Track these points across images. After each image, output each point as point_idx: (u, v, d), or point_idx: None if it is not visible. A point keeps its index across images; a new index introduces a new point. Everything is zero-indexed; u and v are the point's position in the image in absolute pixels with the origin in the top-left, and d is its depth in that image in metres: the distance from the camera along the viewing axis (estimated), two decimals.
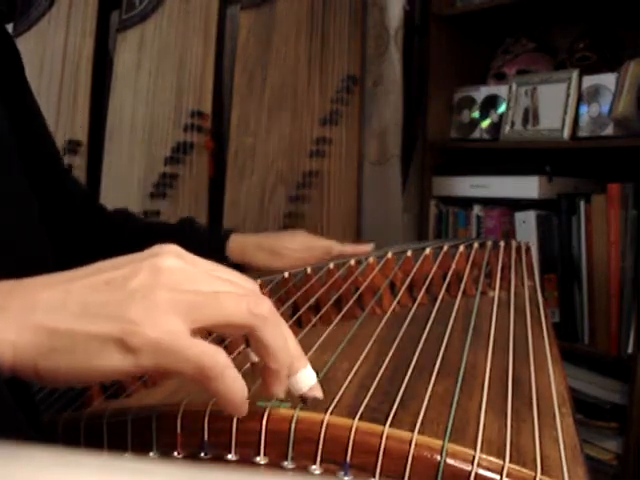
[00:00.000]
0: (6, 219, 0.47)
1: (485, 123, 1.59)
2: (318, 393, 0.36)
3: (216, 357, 0.32)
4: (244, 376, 0.33)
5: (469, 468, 0.33)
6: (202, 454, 0.36)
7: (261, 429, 0.35)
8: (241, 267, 0.79)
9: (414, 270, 0.66)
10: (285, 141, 1.71)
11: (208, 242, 0.81)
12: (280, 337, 0.34)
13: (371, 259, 0.69)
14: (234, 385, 0.33)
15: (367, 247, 0.82)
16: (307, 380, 0.35)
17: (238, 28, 1.85)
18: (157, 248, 0.34)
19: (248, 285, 0.36)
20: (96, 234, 0.75)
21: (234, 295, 0.33)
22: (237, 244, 0.81)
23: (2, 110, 0.52)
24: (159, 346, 0.31)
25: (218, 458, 0.36)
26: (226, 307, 0.33)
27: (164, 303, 0.32)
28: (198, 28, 1.88)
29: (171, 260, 0.33)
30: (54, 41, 2.13)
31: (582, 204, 1.36)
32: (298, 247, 0.81)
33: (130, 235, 0.77)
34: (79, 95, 2.05)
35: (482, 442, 0.34)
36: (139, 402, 0.42)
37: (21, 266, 0.45)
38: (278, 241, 0.82)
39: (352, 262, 0.70)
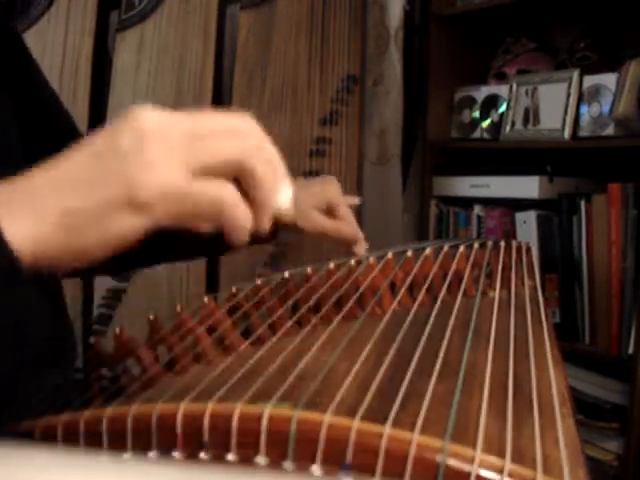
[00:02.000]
0: None
1: (485, 123, 1.59)
2: (290, 212, 0.38)
3: (229, 190, 0.33)
4: (243, 377, 0.33)
5: (469, 468, 0.32)
6: (202, 454, 0.36)
7: (261, 429, 0.35)
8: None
9: (414, 270, 0.66)
10: (285, 141, 1.71)
11: None
12: (269, 171, 0.36)
13: (371, 259, 0.69)
14: (245, 210, 0.34)
15: (354, 200, 0.78)
16: (285, 196, 0.37)
17: (238, 28, 1.85)
18: (132, 109, 0.35)
19: (233, 121, 0.36)
20: None
21: (227, 135, 0.34)
22: None
23: (6, 100, 0.52)
24: (167, 194, 0.31)
25: (218, 458, 0.36)
26: (220, 146, 0.33)
27: (157, 153, 0.32)
28: (198, 28, 1.88)
29: (151, 117, 0.34)
30: (53, 40, 2.13)
31: (583, 204, 1.36)
32: (317, 203, 0.74)
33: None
34: (78, 95, 2.05)
35: (482, 442, 0.34)
36: (139, 402, 0.42)
37: None
38: (304, 196, 0.74)
39: (352, 262, 0.70)
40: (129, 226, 0.32)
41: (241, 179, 0.35)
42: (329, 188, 0.75)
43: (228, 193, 0.33)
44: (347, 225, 0.75)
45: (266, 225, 0.36)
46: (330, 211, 0.75)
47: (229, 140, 0.34)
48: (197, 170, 0.33)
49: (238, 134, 0.35)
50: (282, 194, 0.37)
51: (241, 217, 0.34)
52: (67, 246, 0.32)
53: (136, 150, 0.32)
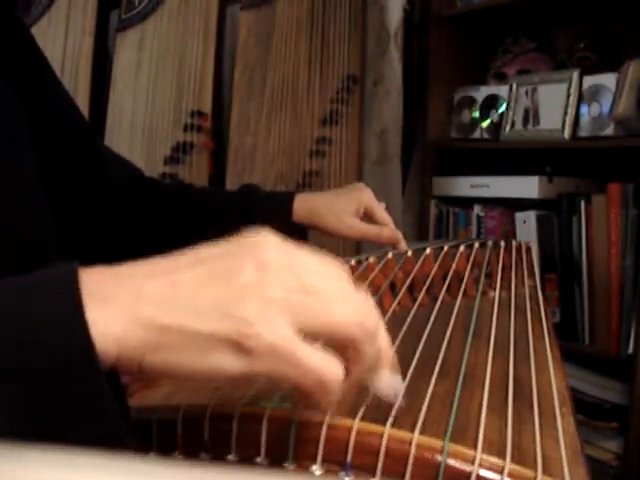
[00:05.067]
0: (7, 203, 0.46)
1: (485, 123, 1.59)
2: (396, 401, 0.35)
3: (336, 370, 0.31)
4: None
5: (470, 468, 0.32)
6: (203, 454, 0.36)
7: (262, 429, 0.35)
8: (307, 229, 0.76)
9: (414, 270, 0.66)
10: (285, 141, 1.71)
11: (274, 207, 0.76)
12: (375, 354, 0.33)
13: (371, 259, 0.69)
14: (338, 395, 0.32)
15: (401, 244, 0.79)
16: (390, 383, 0.35)
17: (238, 28, 1.85)
18: (254, 237, 0.33)
19: (352, 287, 0.34)
20: (152, 211, 0.72)
21: (345, 303, 0.32)
22: (304, 204, 0.76)
23: (17, 101, 0.52)
24: (276, 351, 0.29)
25: (218, 458, 0.36)
26: (336, 315, 0.31)
27: (277, 302, 0.30)
28: (198, 28, 1.88)
29: (274, 252, 0.32)
30: (54, 40, 2.13)
31: (582, 204, 1.36)
32: (354, 210, 0.76)
33: (196, 212, 0.74)
34: (79, 94, 2.05)
35: (483, 442, 0.34)
36: (139, 402, 0.42)
37: (22, 250, 0.45)
38: (342, 204, 0.77)
39: (352, 262, 0.70)
40: (227, 366, 0.30)
41: (348, 351, 0.33)
42: (363, 194, 0.78)
43: (335, 372, 0.31)
44: (386, 229, 0.78)
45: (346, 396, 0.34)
46: (368, 215, 0.78)
47: (351, 312, 0.32)
48: (304, 329, 0.31)
49: (363, 312, 0.32)
50: (381, 378, 0.35)
51: (334, 395, 0.32)
52: (149, 361, 0.30)
53: (256, 289, 0.30)
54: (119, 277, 0.31)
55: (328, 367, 0.31)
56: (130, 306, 0.29)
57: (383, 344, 0.34)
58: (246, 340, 0.29)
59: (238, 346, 0.30)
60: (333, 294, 0.32)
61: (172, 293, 0.30)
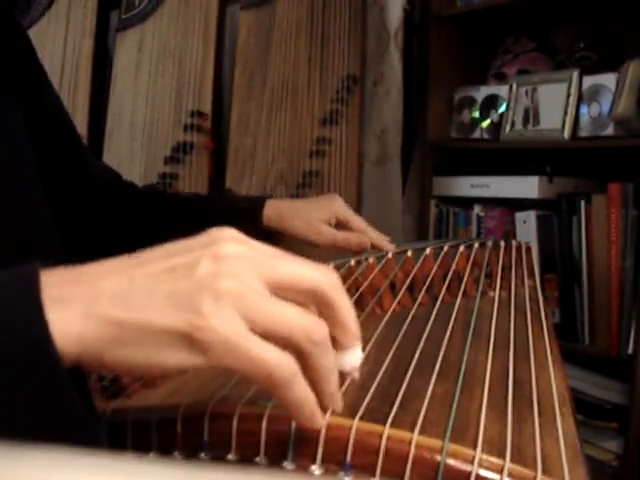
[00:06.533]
0: (9, 203, 0.46)
1: (485, 123, 1.59)
2: (355, 375, 0.36)
3: (287, 365, 0.31)
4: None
5: (469, 468, 0.32)
6: (202, 454, 0.36)
7: (262, 429, 0.35)
8: (279, 234, 0.77)
9: (414, 270, 0.66)
10: (285, 141, 1.71)
11: (243, 210, 0.78)
12: (329, 361, 0.33)
13: (371, 259, 0.69)
14: (303, 394, 0.32)
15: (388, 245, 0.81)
16: (352, 360, 0.35)
17: (238, 28, 1.85)
18: (214, 233, 0.33)
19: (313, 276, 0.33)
20: (130, 215, 0.74)
21: (297, 312, 0.32)
22: (274, 209, 0.77)
23: (16, 102, 0.52)
24: (228, 344, 0.30)
25: (218, 458, 0.36)
26: (286, 321, 0.31)
27: (229, 294, 0.30)
28: (198, 28, 1.88)
29: (233, 246, 0.32)
30: (54, 40, 2.13)
31: (582, 204, 1.36)
32: (326, 217, 0.78)
33: (168, 213, 0.77)
34: (79, 95, 2.05)
35: (482, 442, 0.34)
36: (139, 402, 0.42)
37: (25, 251, 0.45)
38: (313, 211, 0.79)
39: (352, 262, 0.70)
40: (181, 360, 0.30)
41: (300, 361, 0.33)
42: (334, 203, 0.80)
43: (286, 366, 0.31)
44: (354, 235, 0.79)
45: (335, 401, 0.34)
46: (342, 225, 0.80)
47: (302, 322, 0.32)
48: (253, 329, 0.31)
49: (312, 324, 0.32)
50: (342, 357, 0.35)
51: (291, 390, 0.31)
52: (109, 357, 0.30)
53: (210, 281, 0.30)
54: (79, 276, 0.31)
55: (279, 360, 0.31)
56: (88, 303, 0.30)
57: (347, 318, 0.34)
58: (199, 334, 0.30)
59: (191, 340, 0.30)
60: (289, 284, 0.32)
61: (129, 289, 0.31)
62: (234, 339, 0.30)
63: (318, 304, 0.33)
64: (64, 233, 0.57)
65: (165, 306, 0.30)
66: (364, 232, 0.80)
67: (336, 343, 0.35)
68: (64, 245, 0.51)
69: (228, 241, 0.32)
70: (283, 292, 0.32)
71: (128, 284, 0.31)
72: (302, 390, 0.32)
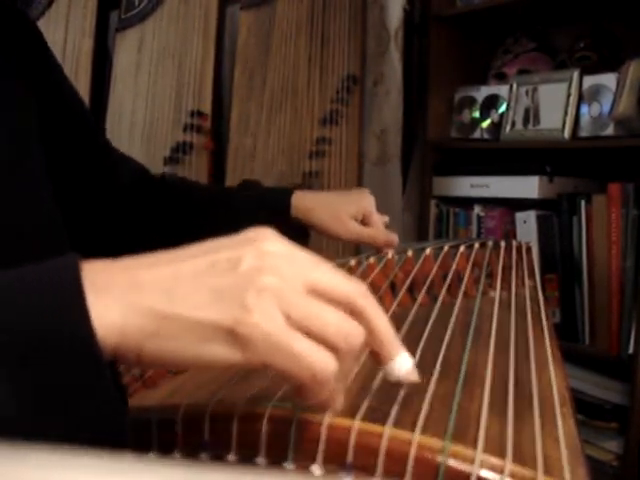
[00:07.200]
0: (9, 203, 0.46)
1: (485, 123, 1.59)
2: (414, 377, 0.36)
3: (332, 367, 0.31)
4: (248, 375, 0.33)
5: (470, 469, 0.32)
6: (202, 454, 0.36)
7: (262, 429, 0.35)
8: (306, 227, 0.77)
9: (415, 270, 0.66)
10: (285, 141, 1.71)
11: (272, 202, 0.77)
12: (352, 368, 0.33)
13: (371, 259, 0.69)
14: (335, 390, 0.32)
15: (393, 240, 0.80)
16: (403, 365, 0.35)
17: (238, 28, 1.85)
18: (256, 231, 0.33)
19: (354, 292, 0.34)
20: (156, 211, 0.73)
21: (337, 314, 0.32)
22: (302, 201, 0.76)
23: (30, 104, 0.52)
24: (270, 341, 0.30)
25: (218, 458, 0.36)
26: (326, 322, 0.31)
27: (271, 289, 0.30)
28: (198, 28, 1.88)
29: (274, 244, 0.32)
30: (53, 40, 2.13)
31: (583, 204, 1.36)
32: (354, 212, 0.77)
33: (198, 206, 0.76)
34: None
35: (483, 442, 0.34)
36: (139, 402, 0.42)
37: (25, 251, 0.45)
38: (342, 204, 0.78)
39: (352, 262, 0.70)
40: (223, 355, 0.30)
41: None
42: (364, 199, 0.79)
43: (329, 365, 0.31)
44: (381, 232, 0.78)
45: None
46: (364, 220, 0.79)
47: (342, 327, 0.32)
48: (297, 323, 0.31)
49: (351, 329, 0.32)
50: (393, 367, 0.35)
51: (327, 389, 0.32)
52: (148, 349, 0.30)
53: (253, 276, 0.30)
54: (121, 268, 0.31)
55: (322, 359, 0.31)
56: (130, 295, 0.30)
57: (384, 330, 0.35)
58: (242, 329, 0.30)
59: (234, 335, 0.30)
60: (330, 295, 0.32)
61: (172, 282, 0.31)
62: (277, 336, 0.30)
63: (351, 314, 0.33)
64: (82, 230, 0.57)
65: (209, 300, 0.30)
66: (379, 229, 0.79)
67: (378, 357, 0.35)
68: (84, 243, 0.51)
69: (269, 239, 0.33)
70: (317, 297, 0.32)
71: (172, 277, 0.31)
72: (331, 386, 0.32)
